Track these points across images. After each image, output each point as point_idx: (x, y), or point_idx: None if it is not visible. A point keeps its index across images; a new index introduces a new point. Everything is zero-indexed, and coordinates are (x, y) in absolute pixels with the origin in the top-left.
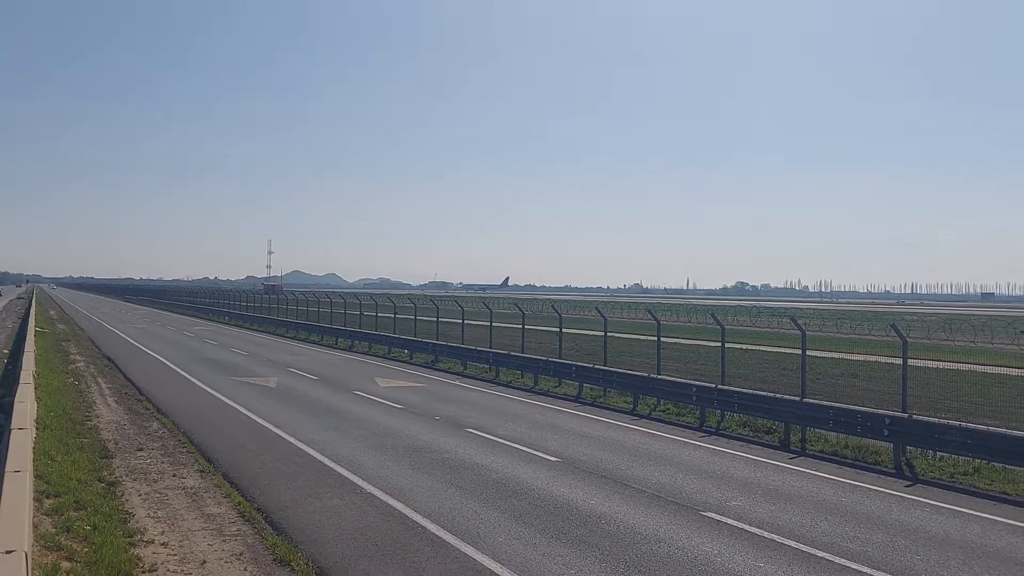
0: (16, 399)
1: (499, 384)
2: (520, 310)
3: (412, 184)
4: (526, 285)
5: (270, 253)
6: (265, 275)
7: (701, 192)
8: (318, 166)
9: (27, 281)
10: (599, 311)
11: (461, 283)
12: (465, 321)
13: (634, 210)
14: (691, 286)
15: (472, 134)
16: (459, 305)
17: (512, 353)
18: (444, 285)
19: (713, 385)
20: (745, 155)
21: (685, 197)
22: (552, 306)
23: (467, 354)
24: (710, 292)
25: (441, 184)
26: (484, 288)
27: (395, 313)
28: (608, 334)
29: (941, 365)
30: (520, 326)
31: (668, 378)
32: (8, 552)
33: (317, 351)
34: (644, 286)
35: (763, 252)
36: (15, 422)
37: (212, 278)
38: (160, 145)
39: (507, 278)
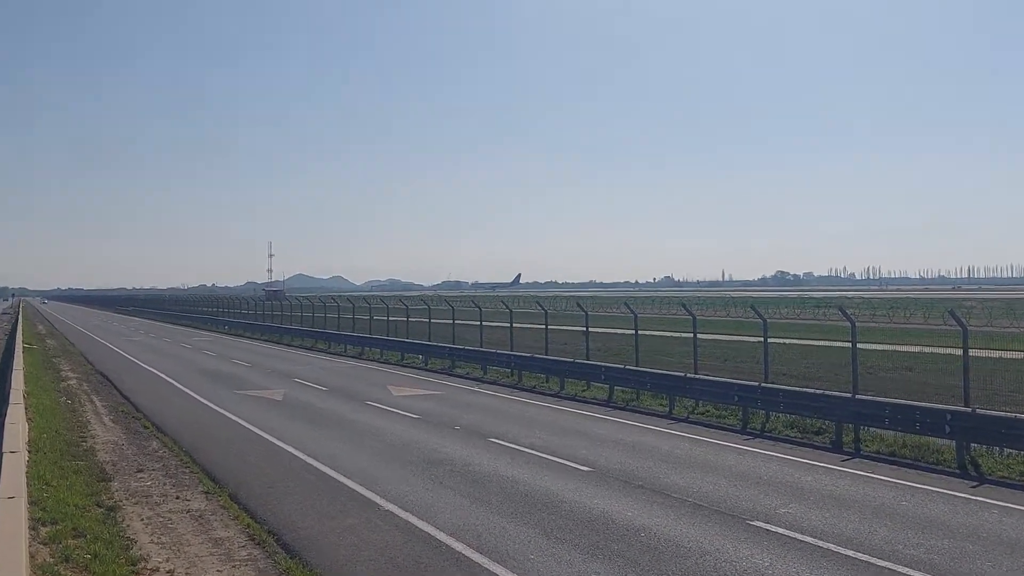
0: (7, 420)
1: (522, 389)
2: (542, 309)
3: (420, 180)
4: (547, 282)
5: (271, 256)
6: (266, 280)
7: (735, 178)
8: (319, 164)
9: (13, 295)
10: (628, 307)
11: (477, 281)
12: (483, 323)
13: (662, 200)
14: (727, 277)
15: (482, 126)
16: (476, 305)
17: (535, 355)
18: (458, 285)
19: (756, 383)
20: (781, 137)
21: (717, 184)
22: (577, 303)
23: (487, 358)
24: (747, 283)
25: (451, 179)
26: (494, 287)
27: (407, 316)
28: (639, 332)
29: (1006, 355)
30: (542, 326)
31: (706, 377)
32: None
33: (324, 360)
34: (676, 279)
35: (804, 239)
36: (6, 445)
37: (210, 285)
38: (150, 146)
39: (519, 275)
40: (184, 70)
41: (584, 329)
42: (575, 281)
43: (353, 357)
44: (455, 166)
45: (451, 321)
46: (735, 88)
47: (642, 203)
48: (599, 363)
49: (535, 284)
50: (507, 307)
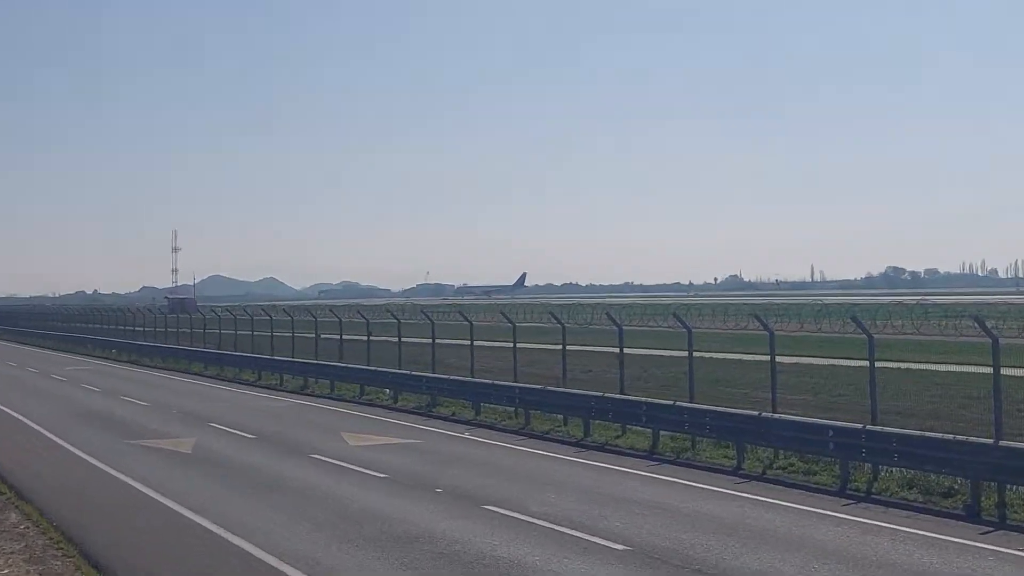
0: None
1: (531, 435)
2: (557, 322)
3: (389, 153)
4: (563, 284)
5: (175, 251)
6: (170, 285)
7: (823, 146)
8: (245, 130)
9: None
10: (679, 319)
11: (466, 284)
12: (475, 342)
13: (723, 175)
14: (819, 277)
15: (477, 72)
16: (465, 318)
17: (548, 388)
18: (439, 289)
19: (859, 425)
20: (896, 96)
21: (798, 151)
22: (607, 313)
23: (481, 392)
24: (847, 284)
25: (431, 152)
26: (489, 291)
27: (369, 334)
28: (695, 353)
29: None
30: (558, 346)
31: (789, 417)
32: None
33: (252, 395)
34: (745, 279)
35: (923, 224)
36: None
37: (91, 292)
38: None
39: (523, 275)
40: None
41: (616, 350)
42: (603, 283)
43: (293, 392)
44: (436, 133)
45: (430, 340)
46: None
47: (695, 178)
48: (640, 398)
49: (548, 287)
50: (508, 320)
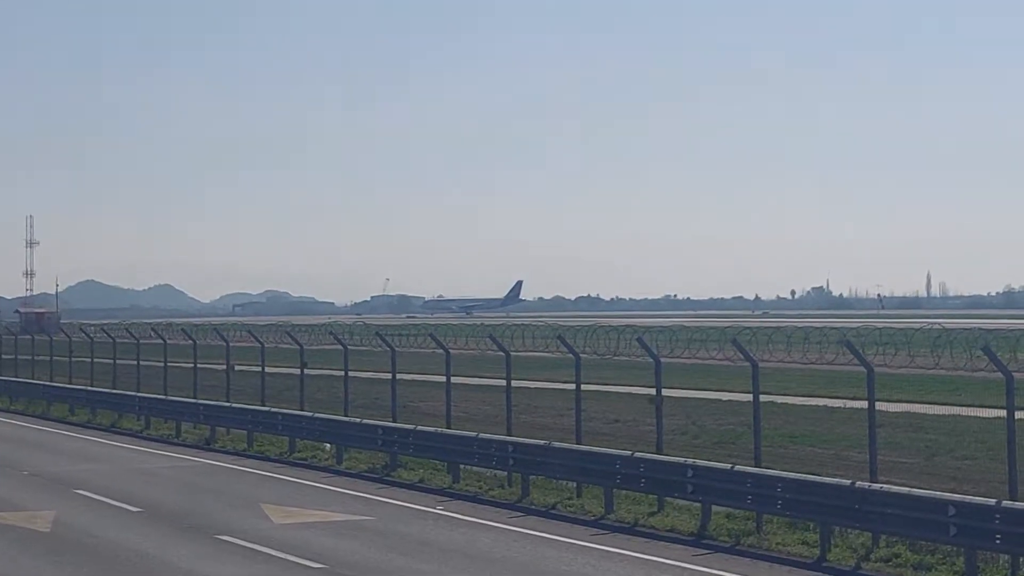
0: None
1: (530, 511)
2: (568, 350)
3: (332, 118)
4: (577, 299)
5: (31, 246)
6: (23, 294)
7: (950, 117)
8: (125, 88)
9: None
10: (739, 348)
11: (440, 297)
12: (453, 378)
13: (805, 157)
14: (936, 291)
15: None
16: (439, 344)
17: (556, 444)
18: (402, 304)
19: (992, 501)
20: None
21: (918, 127)
22: (639, 339)
23: (460, 449)
24: (975, 301)
25: (383, 114)
26: (471, 306)
27: (303, 366)
28: (763, 396)
29: None
30: (570, 385)
31: (895, 488)
32: None
33: (137, 451)
34: (834, 293)
35: None
36: None
37: None
38: None
39: (518, 285)
40: None
41: (651, 391)
42: (637, 297)
43: (196, 446)
44: (400, 88)
45: (389, 375)
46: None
47: (762, 157)
48: (683, 460)
49: (555, 302)
50: (499, 346)
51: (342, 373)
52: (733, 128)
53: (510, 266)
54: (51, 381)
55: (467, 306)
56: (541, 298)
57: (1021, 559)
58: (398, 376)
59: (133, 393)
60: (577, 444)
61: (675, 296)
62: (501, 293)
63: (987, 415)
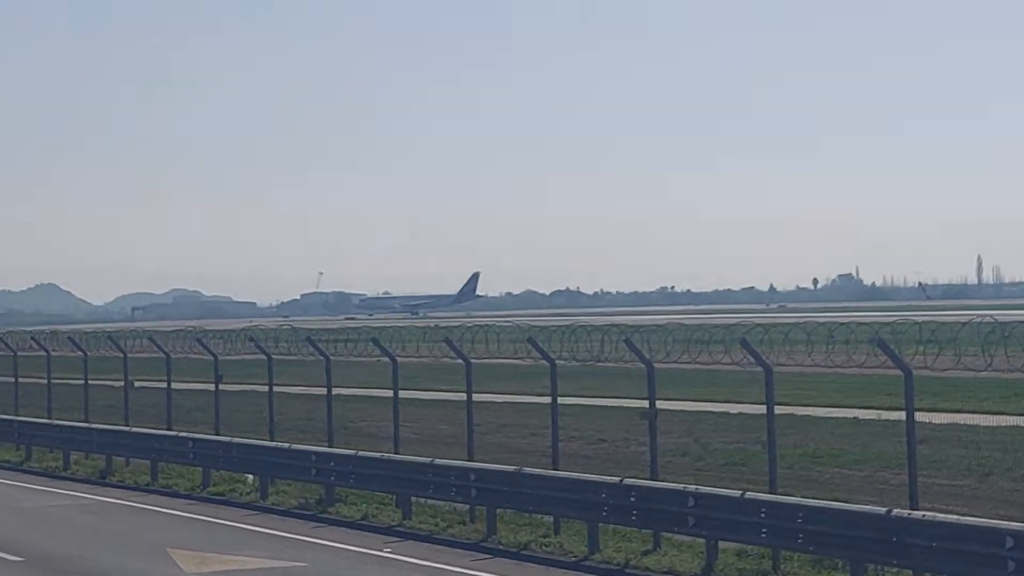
0: None
1: (498, 551)
2: (541, 356)
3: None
4: (553, 292)
5: None
6: None
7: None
8: None
9: None
10: (749, 350)
11: (387, 292)
12: (401, 391)
13: (830, 119)
14: (989, 277)
15: None
16: (383, 351)
17: (527, 470)
18: (339, 303)
19: None
20: None
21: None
22: (626, 340)
23: (411, 478)
24: None
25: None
26: (419, 304)
27: (218, 379)
28: (778, 408)
29: None
30: (544, 398)
31: (940, 517)
32: None
33: (16, 487)
34: (864, 281)
35: None
36: None
37: None
38: None
39: (475, 277)
40: None
41: (643, 404)
42: (625, 291)
43: (89, 480)
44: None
45: (324, 389)
46: None
47: (774, 122)
48: (682, 486)
49: (525, 298)
50: (460, 355)
51: (266, 388)
52: (733, 79)
53: (466, 256)
54: None
55: (412, 305)
56: (509, 293)
57: None
58: (335, 391)
59: (10, 417)
60: (554, 470)
61: (672, 288)
62: (455, 288)
63: None
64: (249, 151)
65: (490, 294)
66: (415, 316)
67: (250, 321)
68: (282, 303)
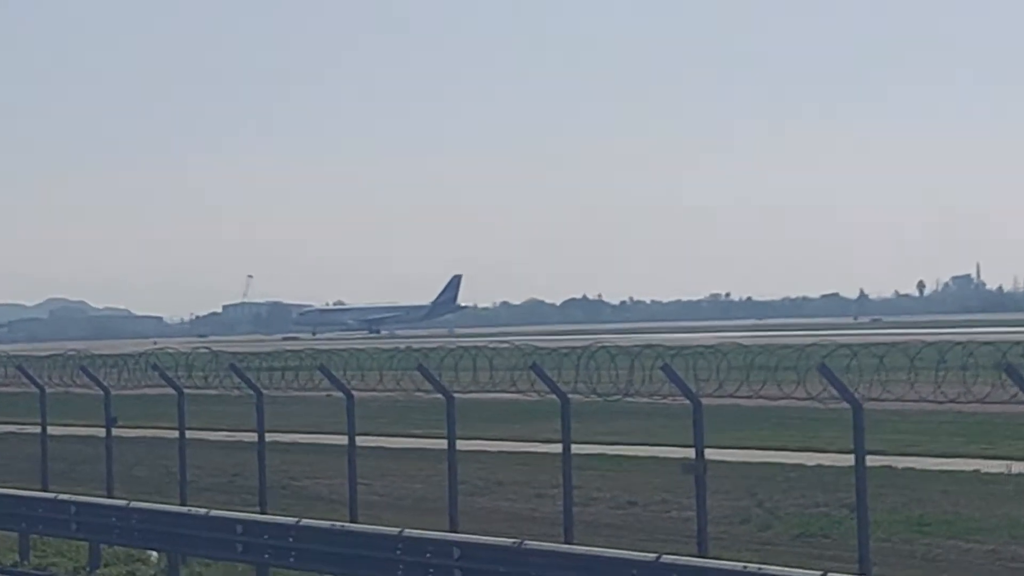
0: None
1: None
2: (548, 387)
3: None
4: (566, 303)
5: None
6: None
7: None
8: None
9: None
10: (828, 378)
11: (339, 303)
12: (359, 436)
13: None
14: None
15: None
16: (335, 381)
17: (528, 545)
18: (277, 315)
19: None
20: None
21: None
22: (663, 367)
23: (371, 556)
24: None
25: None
26: (382, 318)
27: (111, 422)
28: (871, 457)
29: None
30: (554, 446)
31: None
32: None
33: None
34: (986, 284)
35: None
36: None
37: None
38: None
39: (456, 281)
40: None
41: (688, 452)
42: (663, 299)
43: None
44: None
45: (255, 433)
46: None
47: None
48: (740, 566)
49: (529, 308)
50: (440, 388)
51: (176, 433)
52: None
53: (445, 256)
54: None
55: (373, 319)
56: (505, 303)
57: None
58: (270, 436)
59: None
60: (567, 543)
61: (726, 296)
62: (429, 296)
63: None
64: (149, 117)
65: (479, 304)
66: (375, 335)
67: (154, 342)
68: (197, 318)
